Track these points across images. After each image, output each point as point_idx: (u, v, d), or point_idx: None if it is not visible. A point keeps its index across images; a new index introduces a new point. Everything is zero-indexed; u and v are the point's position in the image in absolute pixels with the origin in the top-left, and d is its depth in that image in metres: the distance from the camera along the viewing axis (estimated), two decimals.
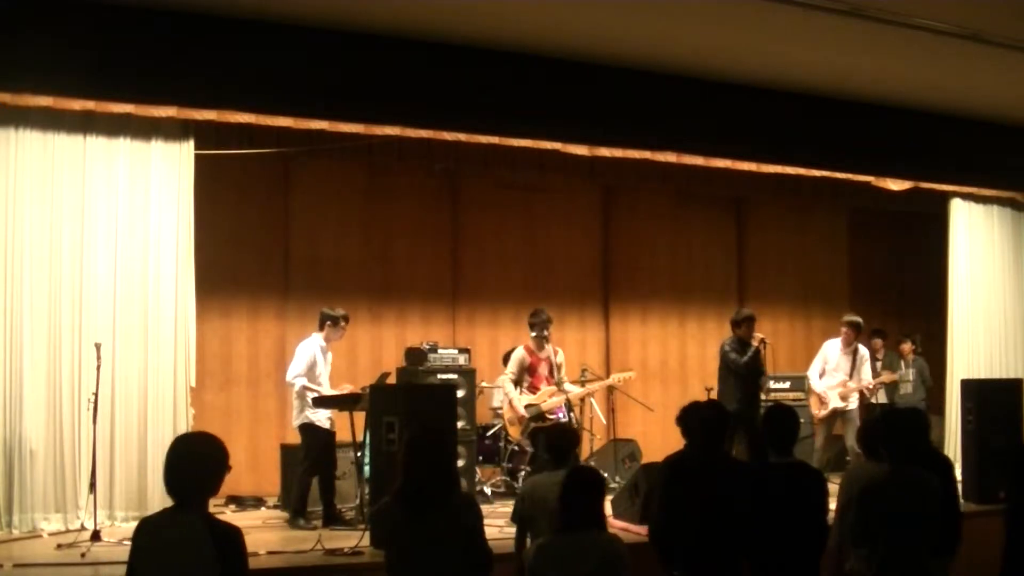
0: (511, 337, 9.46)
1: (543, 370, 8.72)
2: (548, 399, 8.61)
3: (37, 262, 7.52)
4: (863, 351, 9.71)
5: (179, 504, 3.52)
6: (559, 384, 8.68)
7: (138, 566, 3.56)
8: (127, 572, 3.60)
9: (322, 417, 7.97)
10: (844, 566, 4.79)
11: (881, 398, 11.23)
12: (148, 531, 3.58)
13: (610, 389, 9.88)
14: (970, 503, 8.31)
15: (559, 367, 8.74)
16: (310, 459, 7.86)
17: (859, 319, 9.71)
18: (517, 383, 8.67)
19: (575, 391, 8.89)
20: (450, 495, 4.17)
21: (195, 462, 3.55)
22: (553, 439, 5.57)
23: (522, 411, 8.54)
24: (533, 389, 8.68)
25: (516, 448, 8.94)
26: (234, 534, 3.52)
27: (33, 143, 7.55)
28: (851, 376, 9.53)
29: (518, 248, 11.27)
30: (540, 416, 8.56)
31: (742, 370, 8.88)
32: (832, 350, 9.66)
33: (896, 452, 4.72)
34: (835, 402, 9.43)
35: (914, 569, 4.55)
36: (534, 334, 8.71)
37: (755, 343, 8.90)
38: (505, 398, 8.76)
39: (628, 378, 9.14)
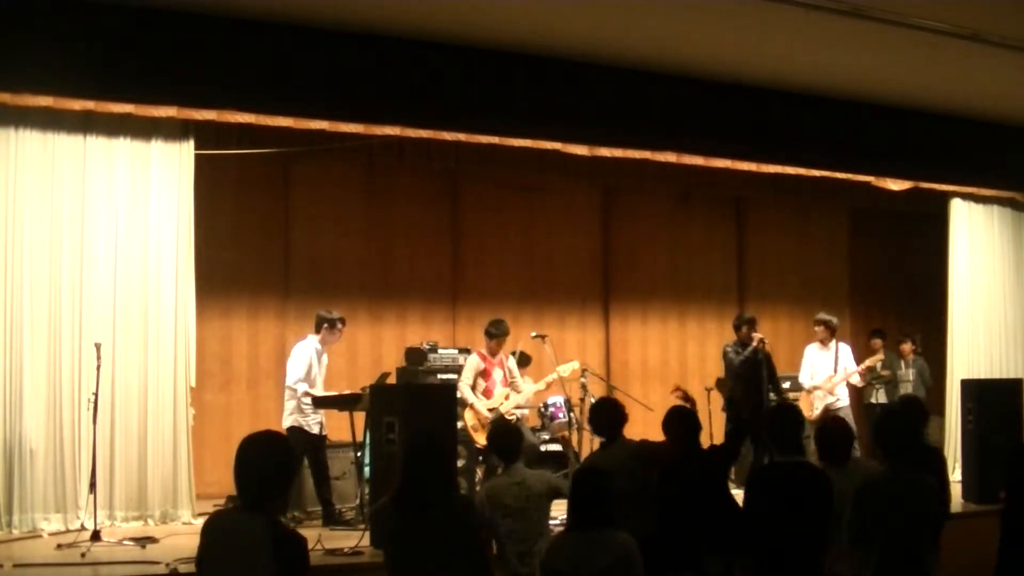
0: (511, 337, 9.45)
1: (496, 375, 8.75)
2: (505, 401, 8.64)
3: (37, 262, 7.52)
4: (842, 346, 9.78)
5: (245, 505, 3.46)
6: (513, 386, 8.73)
7: (202, 563, 3.54)
8: (195, 565, 3.60)
9: (312, 422, 7.93)
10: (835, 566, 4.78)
11: (881, 398, 11.23)
12: (213, 529, 3.56)
13: (610, 388, 9.88)
14: (970, 503, 8.31)
15: (511, 370, 8.81)
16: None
17: (832, 317, 9.80)
18: (472, 388, 8.67)
19: (530, 390, 8.89)
20: (449, 496, 4.17)
21: (257, 465, 3.45)
22: (497, 440, 5.51)
23: (486, 414, 8.54)
24: (487, 393, 8.69)
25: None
26: (295, 542, 3.42)
27: (33, 143, 7.55)
28: (835, 372, 9.60)
29: (518, 248, 11.25)
30: (502, 418, 8.58)
31: (736, 369, 8.93)
32: (812, 353, 9.77)
33: (890, 450, 4.73)
34: (826, 398, 9.46)
35: (911, 569, 4.55)
36: (494, 342, 8.73)
37: (754, 343, 8.94)
38: (465, 405, 8.65)
39: (574, 369, 9.13)
